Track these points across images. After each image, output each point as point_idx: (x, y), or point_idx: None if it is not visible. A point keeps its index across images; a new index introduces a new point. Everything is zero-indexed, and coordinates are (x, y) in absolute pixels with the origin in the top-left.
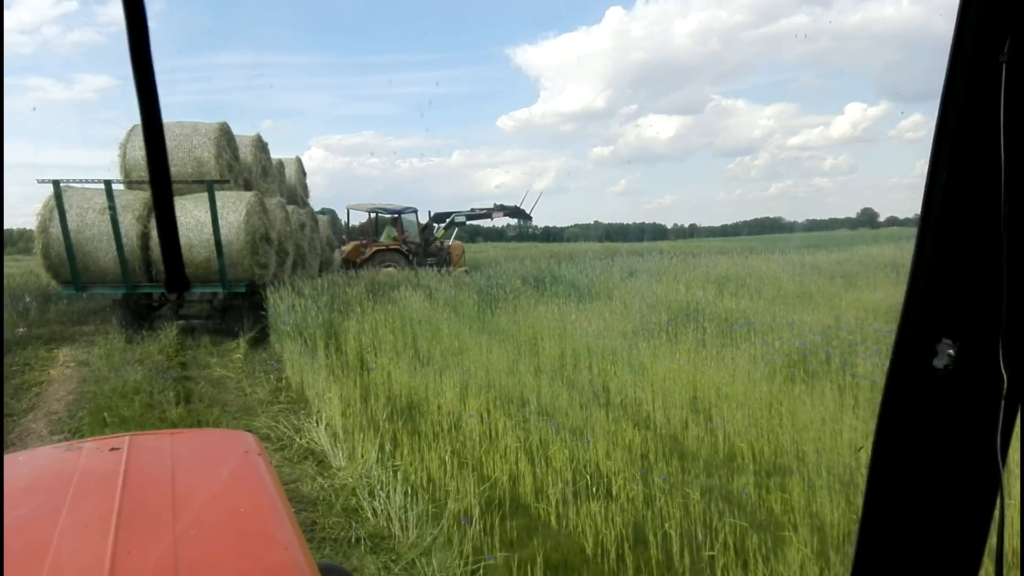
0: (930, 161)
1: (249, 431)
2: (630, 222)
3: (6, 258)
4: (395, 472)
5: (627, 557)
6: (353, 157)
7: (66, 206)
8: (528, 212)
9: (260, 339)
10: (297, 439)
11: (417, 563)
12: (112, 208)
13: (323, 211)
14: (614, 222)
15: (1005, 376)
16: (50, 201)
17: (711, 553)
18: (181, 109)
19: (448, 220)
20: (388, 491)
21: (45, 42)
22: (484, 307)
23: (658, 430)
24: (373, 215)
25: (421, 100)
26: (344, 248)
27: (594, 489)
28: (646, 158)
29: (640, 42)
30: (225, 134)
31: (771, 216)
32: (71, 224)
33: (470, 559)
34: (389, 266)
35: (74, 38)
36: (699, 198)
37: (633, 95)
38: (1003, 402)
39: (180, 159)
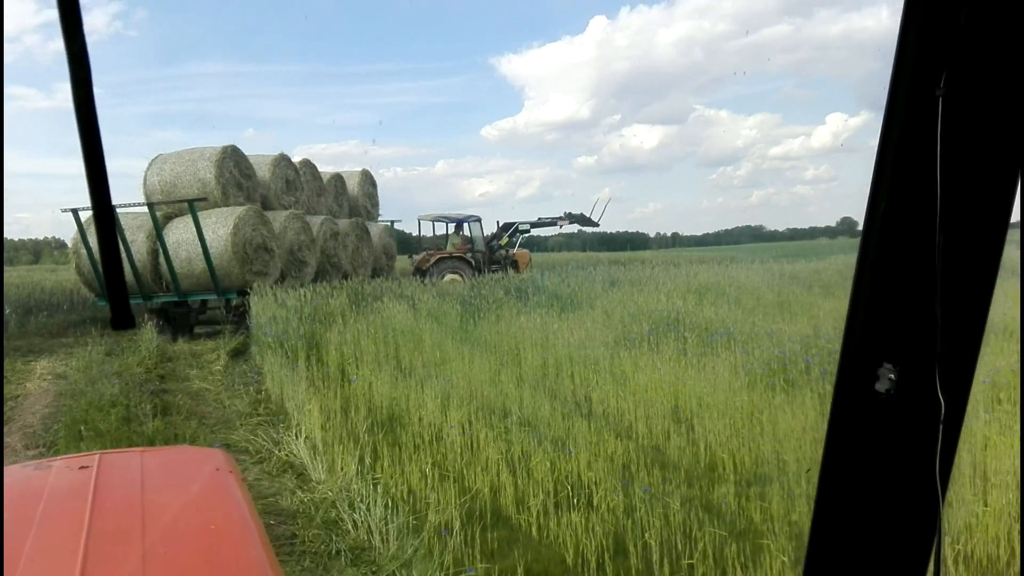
0: (870, 191)
1: (227, 444)
2: (614, 231)
3: None
4: (375, 485)
5: (607, 567)
6: (337, 166)
7: (91, 231)
8: (596, 220)
9: (241, 351)
10: (276, 452)
11: (397, 575)
12: (120, 230)
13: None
14: (597, 231)
15: (942, 401)
16: (87, 225)
17: (690, 562)
18: (162, 118)
19: (513, 228)
20: (368, 504)
21: (27, 51)
22: (467, 317)
23: (640, 440)
24: (442, 224)
25: (405, 110)
26: (416, 257)
27: (575, 500)
28: (630, 167)
29: (623, 51)
30: (230, 156)
31: (752, 224)
32: (96, 245)
33: (451, 570)
34: (453, 273)
35: (55, 47)
36: (682, 206)
37: (617, 105)
38: (941, 426)
39: (187, 182)
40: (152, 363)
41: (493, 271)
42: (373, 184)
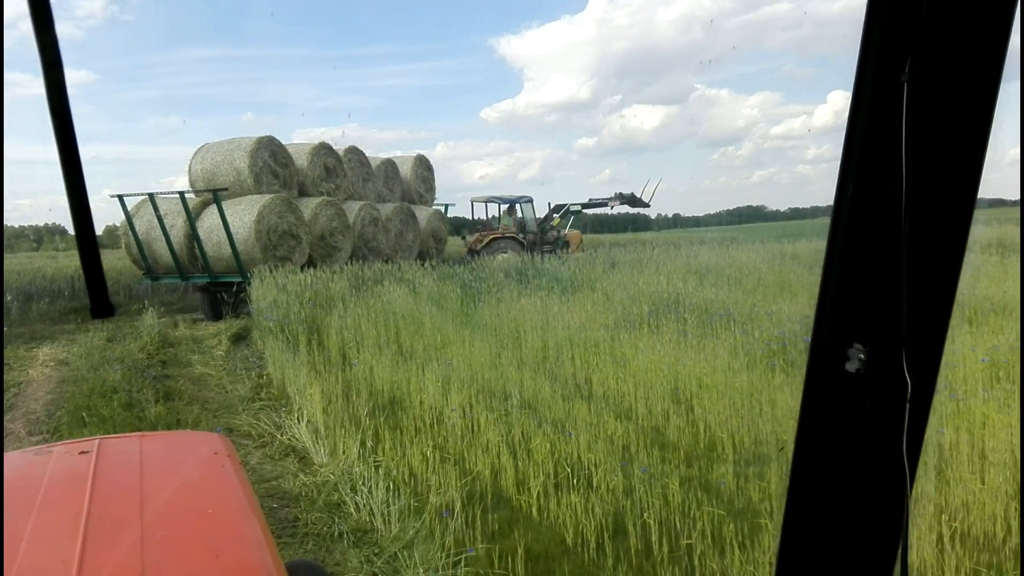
0: (838, 177)
1: (229, 429)
2: (614, 212)
3: None
4: (377, 467)
5: (607, 547)
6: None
7: (140, 214)
8: (647, 201)
9: (242, 336)
10: (278, 436)
11: (399, 556)
12: (159, 215)
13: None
14: (599, 213)
15: (909, 380)
16: (137, 209)
17: (689, 541)
18: (161, 104)
19: (564, 210)
20: (370, 486)
21: (22, 37)
22: (467, 301)
23: (640, 421)
24: (495, 205)
25: (404, 93)
26: (469, 238)
27: (575, 481)
28: (630, 148)
29: (623, 30)
30: (266, 146)
31: (754, 204)
32: (141, 228)
33: (452, 551)
34: (504, 252)
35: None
36: (684, 187)
37: (617, 85)
38: (907, 404)
39: (224, 170)
40: (154, 349)
41: (545, 251)
42: (428, 168)
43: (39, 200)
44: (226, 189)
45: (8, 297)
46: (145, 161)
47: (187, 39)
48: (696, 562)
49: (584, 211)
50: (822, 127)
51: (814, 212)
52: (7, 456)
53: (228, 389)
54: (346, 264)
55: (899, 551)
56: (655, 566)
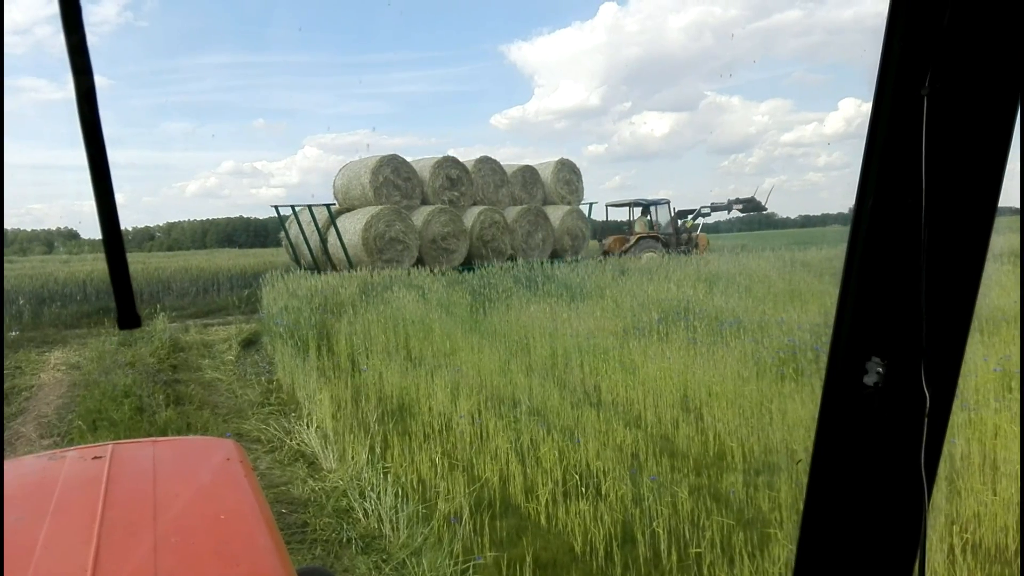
0: (858, 189)
1: (239, 434)
2: (623, 220)
3: None
4: (385, 474)
5: (615, 555)
6: (348, 156)
7: (292, 219)
8: (763, 204)
9: (253, 341)
10: (288, 441)
11: (407, 563)
12: (298, 223)
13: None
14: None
15: (927, 394)
16: (290, 219)
17: (698, 550)
18: (173, 109)
19: (694, 214)
20: (379, 492)
21: (38, 43)
22: (476, 307)
23: (649, 429)
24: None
25: (415, 99)
26: (606, 241)
27: (584, 489)
28: (640, 155)
29: (634, 37)
30: (387, 164)
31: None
32: (293, 231)
33: (460, 558)
34: (651, 251)
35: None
36: (693, 194)
37: (627, 92)
38: (926, 419)
39: (354, 186)
40: (165, 353)
41: (681, 251)
42: (573, 172)
43: (52, 205)
44: (335, 204)
45: (20, 301)
46: (156, 166)
47: (201, 45)
48: (705, 571)
49: (711, 214)
50: (833, 134)
51: (824, 220)
52: (21, 461)
53: (238, 394)
54: (459, 264)
55: (916, 566)
56: (664, 575)
